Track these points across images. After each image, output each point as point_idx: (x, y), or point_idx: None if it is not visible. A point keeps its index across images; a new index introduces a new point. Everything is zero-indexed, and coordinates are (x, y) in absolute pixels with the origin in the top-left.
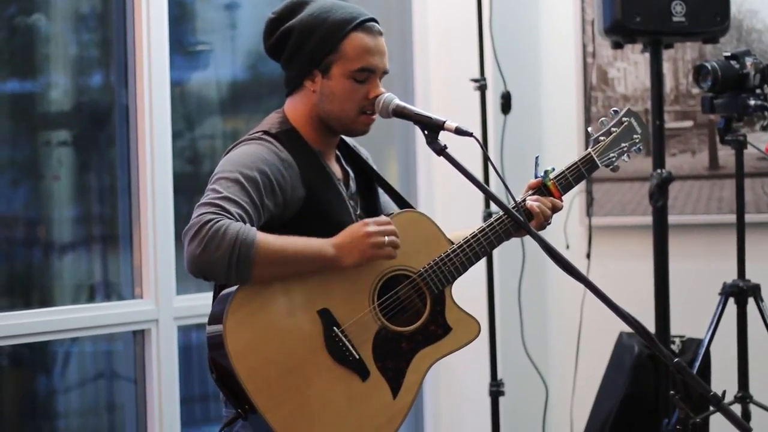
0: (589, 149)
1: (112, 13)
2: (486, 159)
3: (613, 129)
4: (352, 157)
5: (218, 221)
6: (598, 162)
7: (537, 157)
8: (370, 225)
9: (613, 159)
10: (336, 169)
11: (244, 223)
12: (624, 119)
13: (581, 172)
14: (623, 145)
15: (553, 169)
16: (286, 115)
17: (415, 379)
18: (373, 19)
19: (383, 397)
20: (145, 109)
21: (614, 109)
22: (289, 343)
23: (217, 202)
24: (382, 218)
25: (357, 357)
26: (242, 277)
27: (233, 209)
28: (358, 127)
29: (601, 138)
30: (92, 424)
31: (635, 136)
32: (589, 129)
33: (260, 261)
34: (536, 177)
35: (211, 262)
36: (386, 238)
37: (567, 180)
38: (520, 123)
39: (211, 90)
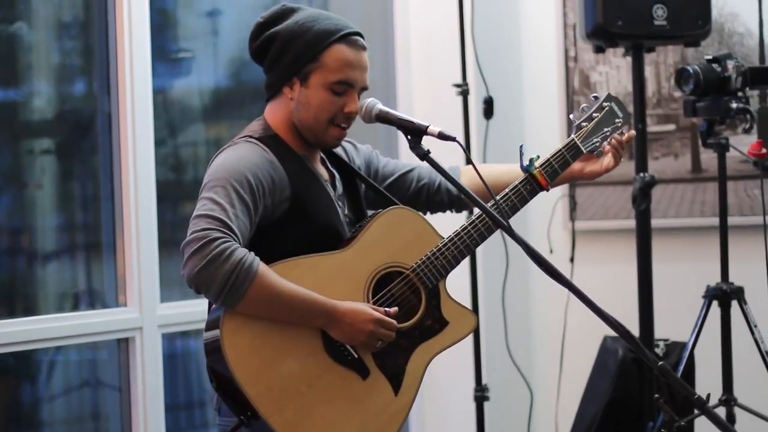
0: (573, 135)
1: (94, 21)
2: (469, 163)
3: (594, 114)
4: (337, 159)
5: (224, 242)
6: (582, 147)
7: (521, 146)
8: (377, 325)
9: (597, 144)
10: (322, 171)
11: (243, 238)
12: (605, 104)
13: (566, 158)
14: (605, 129)
15: (538, 157)
16: (267, 121)
17: (415, 375)
18: (358, 33)
19: (385, 395)
20: (127, 116)
21: (594, 95)
22: (288, 345)
23: (219, 216)
24: (390, 322)
25: (356, 356)
26: (229, 305)
27: (235, 225)
28: (327, 139)
29: (584, 124)
30: None
31: (617, 120)
32: (571, 116)
33: (250, 296)
34: (521, 166)
35: (208, 281)
36: (379, 342)
37: (552, 167)
38: (503, 128)
39: (193, 97)
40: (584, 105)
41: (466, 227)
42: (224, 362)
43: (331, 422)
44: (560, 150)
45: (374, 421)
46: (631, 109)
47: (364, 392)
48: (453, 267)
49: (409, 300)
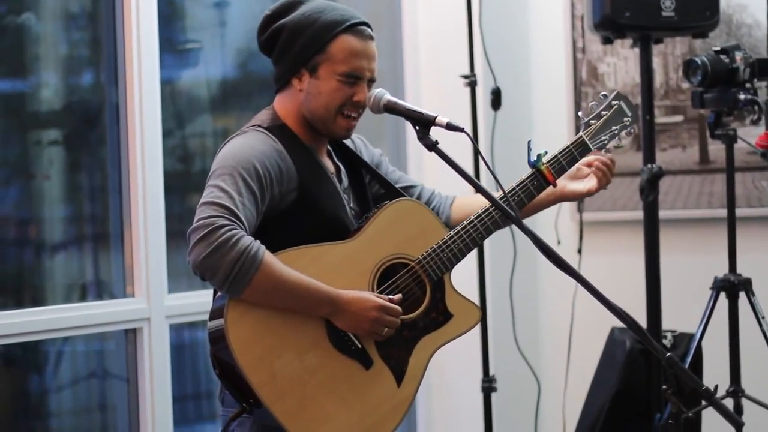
0: (581, 133)
1: (101, 12)
2: (477, 154)
3: (603, 112)
4: (343, 151)
5: (231, 229)
6: (590, 145)
7: (529, 141)
8: (381, 312)
9: (605, 141)
10: (328, 164)
11: (250, 226)
12: (614, 102)
13: (574, 155)
14: (614, 128)
15: (546, 153)
16: (276, 111)
17: (418, 367)
18: (365, 23)
19: (387, 385)
20: (135, 107)
21: (603, 93)
22: (291, 333)
23: (225, 203)
24: (395, 309)
25: (359, 346)
26: (234, 292)
27: (242, 213)
28: (337, 130)
29: (592, 122)
30: (85, 423)
31: (626, 118)
32: (580, 113)
33: (255, 284)
34: (529, 161)
35: (213, 268)
36: (385, 329)
37: (560, 164)
38: (511, 119)
39: (201, 88)
40: (593, 103)
41: (472, 221)
42: (228, 350)
43: (333, 412)
44: (568, 147)
45: (376, 412)
46: (638, 99)
47: (366, 383)
48: (458, 260)
49: (414, 292)
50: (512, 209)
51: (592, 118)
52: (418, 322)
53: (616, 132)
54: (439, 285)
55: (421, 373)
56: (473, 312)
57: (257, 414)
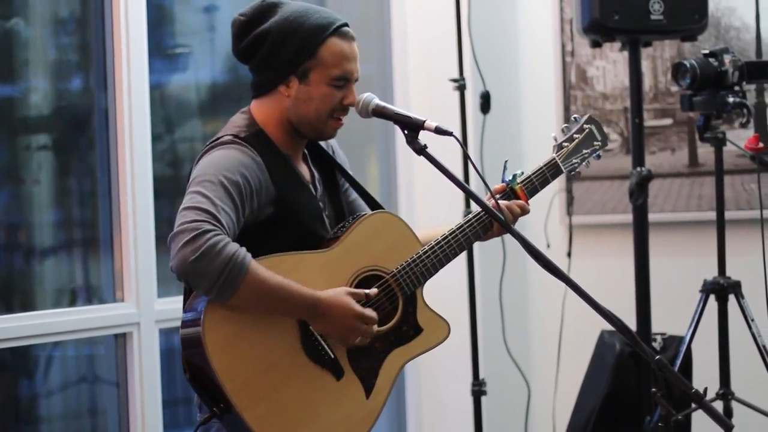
0: (554, 154)
1: (90, 17)
2: (466, 158)
3: (575, 135)
4: (320, 156)
5: (216, 234)
6: (562, 167)
7: (506, 162)
8: (358, 321)
9: (576, 165)
10: (304, 171)
11: (230, 233)
12: (585, 126)
13: (546, 177)
14: (584, 151)
15: (522, 173)
16: (253, 117)
17: (387, 380)
18: (346, 24)
19: (357, 397)
20: (124, 112)
21: (575, 116)
22: (266, 341)
23: (208, 208)
24: (372, 317)
25: (332, 356)
26: (221, 297)
27: (224, 219)
28: (327, 131)
29: (565, 144)
30: (75, 427)
31: (596, 143)
32: (553, 135)
33: (243, 290)
34: (503, 180)
35: (201, 273)
36: (359, 339)
37: (533, 184)
38: (500, 122)
39: (190, 93)
40: (565, 125)
41: (447, 237)
42: (203, 353)
43: (304, 421)
44: (541, 168)
45: (345, 423)
46: (627, 103)
47: (337, 393)
48: (432, 275)
49: (386, 305)
50: (483, 228)
51: (564, 141)
52: (389, 335)
53: (586, 156)
54: (412, 299)
55: (390, 386)
56: (442, 328)
57: (226, 420)
